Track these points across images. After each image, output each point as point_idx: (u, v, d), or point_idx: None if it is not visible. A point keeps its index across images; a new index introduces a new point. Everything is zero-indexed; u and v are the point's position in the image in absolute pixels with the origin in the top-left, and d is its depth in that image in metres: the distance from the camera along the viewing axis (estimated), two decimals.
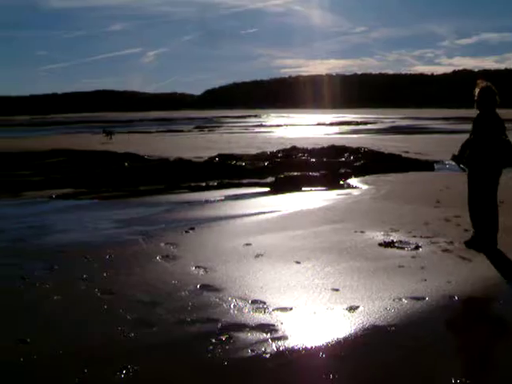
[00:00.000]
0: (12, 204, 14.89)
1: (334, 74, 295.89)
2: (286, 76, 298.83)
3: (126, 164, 20.20)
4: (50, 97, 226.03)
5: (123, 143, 32.86)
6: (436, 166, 21.26)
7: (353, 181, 17.87)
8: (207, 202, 14.54)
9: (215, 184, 17.03)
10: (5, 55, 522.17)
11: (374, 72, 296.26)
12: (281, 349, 5.46)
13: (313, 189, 16.36)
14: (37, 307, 6.74)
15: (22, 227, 11.63)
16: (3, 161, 23.10)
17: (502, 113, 9.56)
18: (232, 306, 6.56)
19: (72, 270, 8.29)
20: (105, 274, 8.04)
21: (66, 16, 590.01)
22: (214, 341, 5.62)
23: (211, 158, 21.95)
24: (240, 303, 6.67)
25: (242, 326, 5.97)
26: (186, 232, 10.76)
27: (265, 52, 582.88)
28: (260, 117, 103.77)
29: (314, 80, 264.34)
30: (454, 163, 9.60)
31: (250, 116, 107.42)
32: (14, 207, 14.47)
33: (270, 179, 17.57)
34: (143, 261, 8.76)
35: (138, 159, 22.44)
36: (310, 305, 6.62)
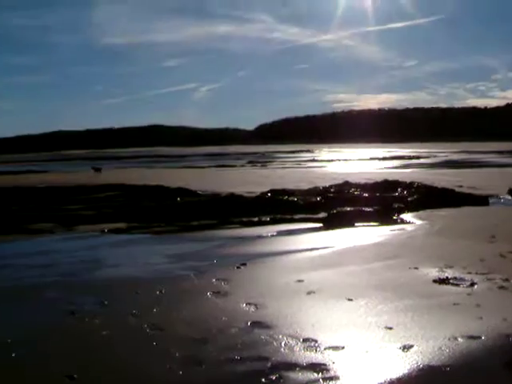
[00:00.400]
0: (64, 238, 15.00)
1: (386, 109, 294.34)
2: (338, 111, 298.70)
3: (179, 199, 20.28)
4: (107, 131, 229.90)
5: (174, 178, 33.03)
6: (491, 201, 20.77)
7: (406, 216, 17.58)
8: (259, 237, 14.44)
9: (267, 219, 16.92)
10: (62, 91, 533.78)
11: (426, 106, 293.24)
12: None
13: (366, 224, 16.13)
14: (85, 342, 6.70)
15: (73, 261, 11.70)
16: (57, 195, 23.44)
17: None
18: (283, 344, 6.42)
19: (122, 305, 8.26)
20: (155, 310, 7.98)
21: (122, 52, 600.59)
22: (263, 380, 5.49)
23: (263, 193, 21.88)
24: (291, 341, 6.51)
25: (293, 365, 5.81)
26: (238, 268, 10.66)
27: (316, 87, 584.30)
28: (312, 152, 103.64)
29: (366, 114, 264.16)
30: (510, 197, 9.35)
31: (302, 151, 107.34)
32: (67, 241, 14.59)
33: (322, 214, 17.41)
34: (194, 297, 8.69)
35: (190, 194, 22.51)
36: (363, 343, 6.43)
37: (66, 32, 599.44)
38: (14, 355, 6.36)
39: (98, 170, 47.53)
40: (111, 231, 15.63)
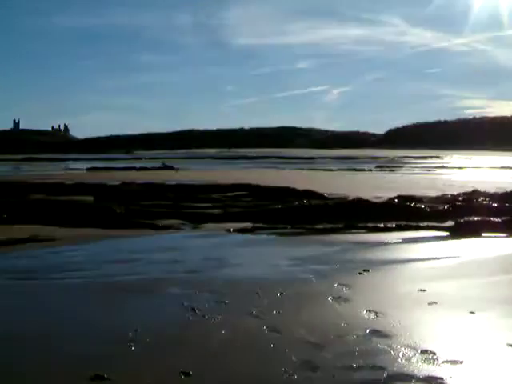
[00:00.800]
0: (191, 235, 15.35)
1: None
2: (470, 117, 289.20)
3: (305, 201, 20.32)
4: (237, 131, 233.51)
5: (302, 180, 33.10)
6: None
7: None
8: (383, 243, 14.21)
9: (393, 226, 16.65)
10: (195, 90, 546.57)
11: None
12: None
13: (494, 235, 15.60)
14: (204, 340, 6.82)
15: (198, 259, 11.94)
16: (186, 192, 24.08)
17: None
18: (400, 355, 6.28)
19: (242, 305, 8.35)
20: (274, 312, 8.02)
21: (254, 53, 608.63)
22: None
23: (391, 199, 21.56)
24: (409, 352, 6.37)
25: (409, 377, 5.68)
26: (360, 274, 10.55)
27: (448, 92, 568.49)
28: (442, 158, 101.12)
29: (500, 121, 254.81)
30: None
31: (431, 157, 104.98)
32: (193, 238, 14.91)
33: (449, 223, 16.95)
34: (314, 300, 8.68)
35: (316, 197, 22.50)
36: (482, 360, 6.18)
37: (199, 32, 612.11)
38: (133, 348, 6.59)
39: (170, 167, 50.96)
40: (237, 231, 15.85)
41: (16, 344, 6.82)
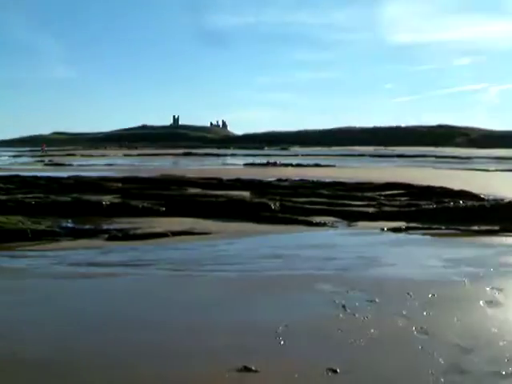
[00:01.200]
0: (345, 233, 15.41)
1: None
2: None
3: (461, 202, 19.86)
4: (393, 129, 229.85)
5: (458, 180, 32.26)
6: None
7: None
8: None
9: None
10: (352, 87, 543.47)
11: None
12: None
13: None
14: (354, 338, 6.92)
15: (350, 257, 12.01)
16: (342, 190, 24.21)
17: None
18: None
19: (393, 305, 8.36)
20: (424, 313, 7.98)
21: (413, 50, 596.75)
22: None
23: None
24: None
25: None
26: None
27: None
28: None
29: None
30: None
31: None
32: (346, 236, 14.97)
33: None
34: (465, 304, 8.54)
35: (472, 197, 21.90)
36: None
37: (356, 30, 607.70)
38: (282, 343, 6.80)
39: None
40: (390, 230, 15.76)
41: (162, 336, 7.23)
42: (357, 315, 7.85)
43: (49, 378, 5.90)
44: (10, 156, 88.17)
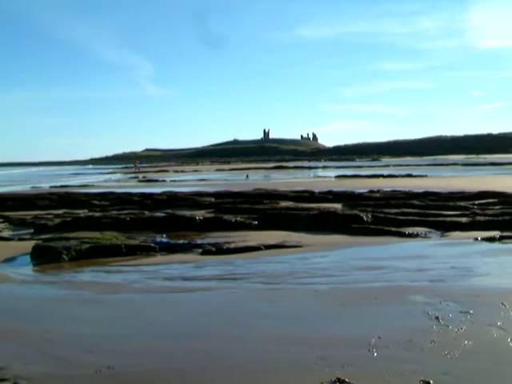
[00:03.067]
0: (438, 244, 15.21)
1: None
2: None
3: None
4: (484, 137, 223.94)
5: None
6: None
7: None
8: None
9: None
10: (440, 96, 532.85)
11: None
12: None
13: None
14: (446, 350, 6.87)
15: (443, 267, 11.85)
16: (434, 199, 23.89)
17: None
18: None
19: (487, 316, 8.24)
20: None
21: (499, 56, 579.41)
22: None
23: None
24: None
25: None
26: None
27: None
28: None
29: None
30: None
31: None
32: (440, 247, 14.75)
33: None
34: None
35: None
36: None
37: (443, 37, 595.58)
38: (375, 354, 6.82)
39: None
40: (484, 239, 15.46)
41: (255, 348, 7.35)
42: (450, 326, 7.78)
43: None
44: (104, 173, 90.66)
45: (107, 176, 76.66)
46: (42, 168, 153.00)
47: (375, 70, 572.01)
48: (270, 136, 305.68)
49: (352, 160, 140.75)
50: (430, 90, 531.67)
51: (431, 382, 5.90)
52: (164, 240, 16.28)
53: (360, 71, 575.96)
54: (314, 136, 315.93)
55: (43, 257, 14.11)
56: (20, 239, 17.36)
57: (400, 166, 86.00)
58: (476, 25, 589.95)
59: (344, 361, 6.60)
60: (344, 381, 6.00)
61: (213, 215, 20.30)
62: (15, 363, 6.86)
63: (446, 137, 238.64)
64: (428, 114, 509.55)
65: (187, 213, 21.01)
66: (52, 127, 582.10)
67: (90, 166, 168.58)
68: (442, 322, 7.98)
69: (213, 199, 27.44)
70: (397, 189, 30.63)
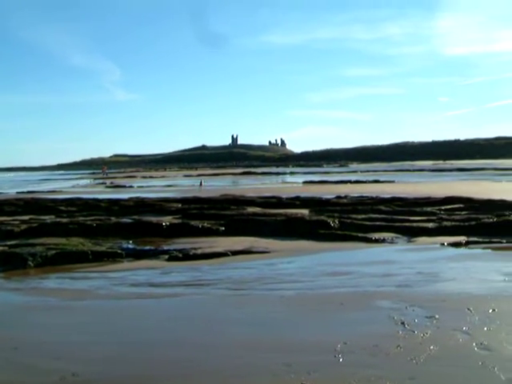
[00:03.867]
0: (404, 249, 15.30)
1: None
2: None
3: None
4: (451, 143, 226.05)
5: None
6: None
7: None
8: None
9: None
10: (406, 102, 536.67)
11: None
12: None
13: None
14: (412, 355, 6.90)
15: (410, 273, 11.92)
16: (401, 205, 24.03)
17: None
18: None
19: (453, 321, 8.31)
20: (485, 329, 7.91)
21: (465, 62, 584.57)
22: None
23: None
24: None
25: None
26: None
27: None
28: None
29: None
30: None
31: None
32: (406, 252, 14.84)
33: None
34: None
35: None
36: None
37: (410, 43, 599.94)
38: (340, 360, 6.82)
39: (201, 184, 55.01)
40: (450, 244, 15.58)
41: (220, 355, 7.34)
42: (416, 332, 7.83)
43: None
44: (72, 179, 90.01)
45: (75, 182, 76.08)
46: (9, 174, 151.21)
47: (342, 76, 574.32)
48: (239, 142, 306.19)
49: (320, 166, 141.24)
50: (398, 96, 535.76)
51: None
52: (130, 246, 16.19)
53: (327, 77, 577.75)
54: (282, 142, 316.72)
55: (8, 263, 13.97)
56: None
57: (368, 171, 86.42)
58: (443, 32, 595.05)
59: (310, 367, 6.61)
60: None
61: (180, 221, 20.22)
62: None
63: (413, 143, 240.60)
64: (395, 120, 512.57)
65: (154, 219, 20.91)
66: (19, 132, 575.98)
67: (59, 172, 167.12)
68: (408, 327, 8.02)
69: (180, 205, 27.34)
70: (364, 194, 30.77)
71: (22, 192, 47.12)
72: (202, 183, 55.34)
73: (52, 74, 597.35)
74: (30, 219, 23.07)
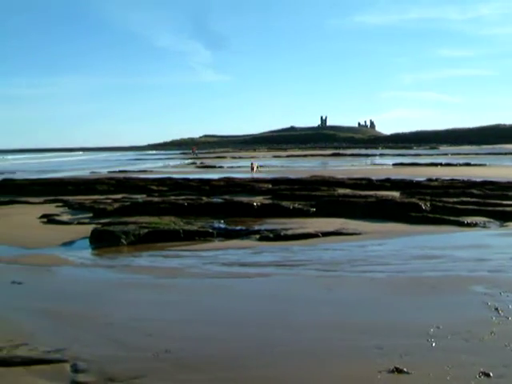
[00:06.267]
0: (497, 234, 14.98)
1: None
2: None
3: None
4: None
5: None
6: None
7: None
8: None
9: None
10: (502, 84, 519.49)
11: None
12: None
13: None
14: (506, 342, 6.78)
15: (503, 258, 11.64)
16: (493, 189, 23.49)
17: None
18: None
19: None
20: None
21: None
22: None
23: None
24: None
25: None
26: None
27: None
28: None
29: None
30: None
31: None
32: (499, 237, 14.51)
33: None
34: None
35: None
36: None
37: (504, 24, 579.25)
38: (433, 345, 6.78)
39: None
40: None
41: (309, 336, 7.37)
42: (510, 318, 7.68)
43: (193, 374, 6.18)
44: (162, 159, 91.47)
45: (165, 162, 77.30)
46: (101, 154, 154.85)
47: (434, 57, 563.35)
48: (328, 123, 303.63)
49: (409, 148, 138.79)
50: (490, 77, 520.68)
51: (491, 374, 5.83)
52: (222, 226, 16.43)
53: (419, 58, 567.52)
54: (372, 123, 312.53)
55: (102, 241, 14.38)
56: (79, 223, 17.74)
57: (458, 154, 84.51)
58: None
59: (402, 350, 6.58)
60: (402, 370, 5.97)
61: (270, 201, 20.37)
62: (74, 345, 7.00)
63: (505, 125, 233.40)
64: (487, 102, 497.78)
65: (245, 199, 21.12)
66: (111, 114, 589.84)
67: (150, 152, 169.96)
68: (502, 314, 7.88)
69: (270, 185, 27.52)
70: (455, 177, 30.20)
71: (114, 171, 48.29)
72: (254, 167, 45.32)
73: (137, 55, 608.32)
74: (123, 198, 23.72)
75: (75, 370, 6.29)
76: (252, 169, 44.75)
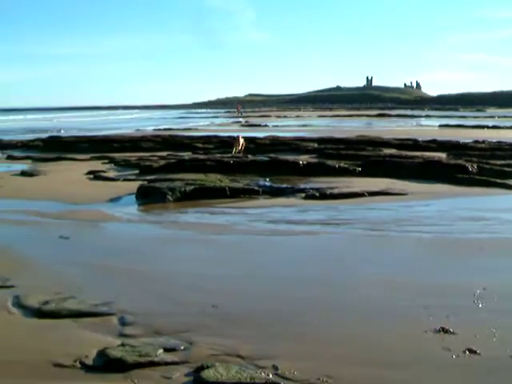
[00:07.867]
0: None
1: None
2: None
3: None
4: None
5: None
6: None
7: None
8: None
9: None
10: None
11: None
12: None
13: None
14: None
15: None
16: None
17: None
18: None
19: None
20: None
21: None
22: None
23: None
24: None
25: None
26: None
27: None
28: None
29: None
30: None
31: None
32: None
33: None
34: None
35: None
36: None
37: None
38: (479, 306, 6.74)
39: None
40: None
41: (353, 295, 7.39)
42: None
43: (239, 329, 6.25)
44: (207, 117, 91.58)
45: (210, 120, 77.42)
46: (146, 112, 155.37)
47: (484, 17, 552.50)
48: (373, 83, 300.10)
49: (456, 110, 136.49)
50: None
51: None
52: (267, 184, 16.44)
53: (468, 19, 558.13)
54: (418, 84, 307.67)
55: (148, 197, 14.51)
56: (125, 180, 17.94)
57: (505, 117, 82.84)
58: None
59: (448, 311, 6.55)
60: (448, 330, 5.96)
61: (316, 160, 20.32)
62: (121, 299, 7.11)
63: None
64: None
65: (290, 157, 21.11)
66: (157, 73, 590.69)
67: (195, 110, 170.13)
68: None
69: (315, 145, 27.45)
70: (502, 140, 29.68)
71: (159, 129, 48.55)
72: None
73: (184, 15, 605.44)
74: (168, 155, 23.87)
75: (122, 322, 6.40)
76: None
